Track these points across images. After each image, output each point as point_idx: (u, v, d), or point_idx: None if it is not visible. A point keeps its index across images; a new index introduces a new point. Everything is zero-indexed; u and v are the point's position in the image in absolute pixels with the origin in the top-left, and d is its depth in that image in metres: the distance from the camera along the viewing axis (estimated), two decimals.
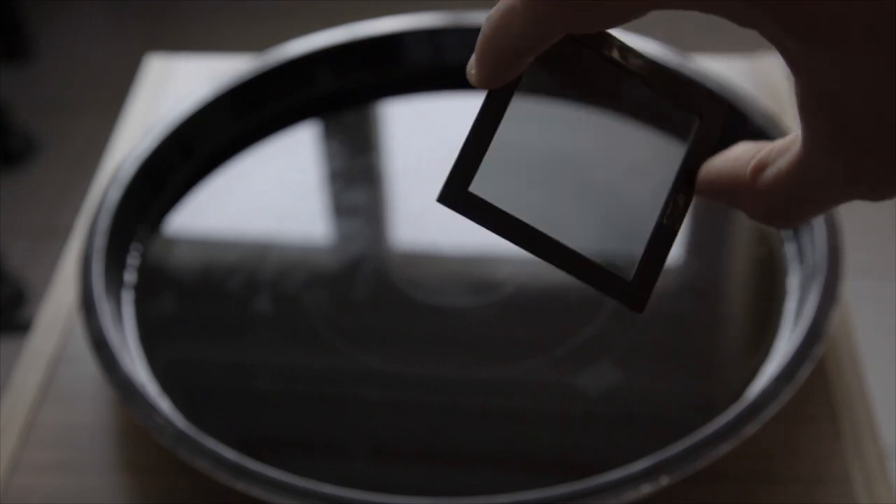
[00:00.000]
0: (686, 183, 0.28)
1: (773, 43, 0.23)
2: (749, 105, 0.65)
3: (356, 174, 0.72)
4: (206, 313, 0.64)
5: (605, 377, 0.57)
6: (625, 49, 0.27)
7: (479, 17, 0.73)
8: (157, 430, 0.50)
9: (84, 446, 0.55)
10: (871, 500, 0.51)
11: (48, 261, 1.31)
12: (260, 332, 0.61)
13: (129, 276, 0.62)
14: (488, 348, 0.60)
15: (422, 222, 0.68)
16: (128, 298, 0.60)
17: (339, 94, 0.74)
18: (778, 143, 0.26)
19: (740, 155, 0.26)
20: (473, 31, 0.73)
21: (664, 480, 0.47)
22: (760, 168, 0.26)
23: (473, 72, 0.26)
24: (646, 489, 0.47)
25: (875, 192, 0.24)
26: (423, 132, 0.74)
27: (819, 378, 0.56)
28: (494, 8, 0.25)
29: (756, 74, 0.75)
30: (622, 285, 0.27)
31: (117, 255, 0.61)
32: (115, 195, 0.62)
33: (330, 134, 0.75)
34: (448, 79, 0.74)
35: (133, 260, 0.63)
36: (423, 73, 0.74)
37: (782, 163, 0.25)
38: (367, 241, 0.68)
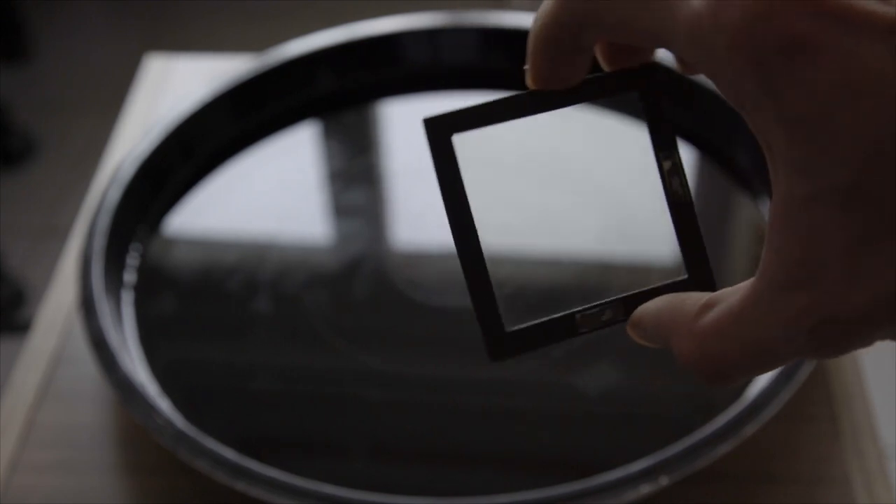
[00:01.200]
0: (624, 305, 0.27)
1: (762, 143, 0.22)
2: None
3: (356, 174, 0.72)
4: (206, 313, 0.64)
5: (605, 377, 0.57)
6: (677, 169, 0.27)
7: (479, 18, 0.73)
8: (157, 430, 0.50)
9: (84, 446, 0.55)
10: (871, 501, 0.51)
11: (48, 261, 1.31)
12: (260, 332, 0.61)
13: (129, 277, 0.62)
14: None
15: (422, 222, 0.68)
16: (127, 298, 0.60)
17: (339, 94, 0.74)
18: (731, 288, 0.24)
19: (688, 296, 0.25)
20: (473, 31, 0.74)
21: (664, 480, 0.47)
22: (709, 306, 0.24)
23: (527, 68, 0.26)
24: (645, 489, 0.47)
25: (821, 348, 0.22)
26: (422, 132, 0.74)
27: (819, 378, 0.56)
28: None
29: None
30: (497, 329, 0.27)
31: (117, 255, 0.61)
32: (115, 195, 0.62)
33: (329, 134, 0.75)
34: (447, 79, 0.74)
35: (133, 260, 0.63)
36: (422, 73, 0.74)
37: (733, 299, 0.23)
38: (366, 242, 0.68)
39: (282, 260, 0.66)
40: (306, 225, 0.69)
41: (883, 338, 0.22)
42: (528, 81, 0.27)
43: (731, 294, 0.24)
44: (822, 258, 0.21)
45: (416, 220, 0.69)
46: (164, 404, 0.52)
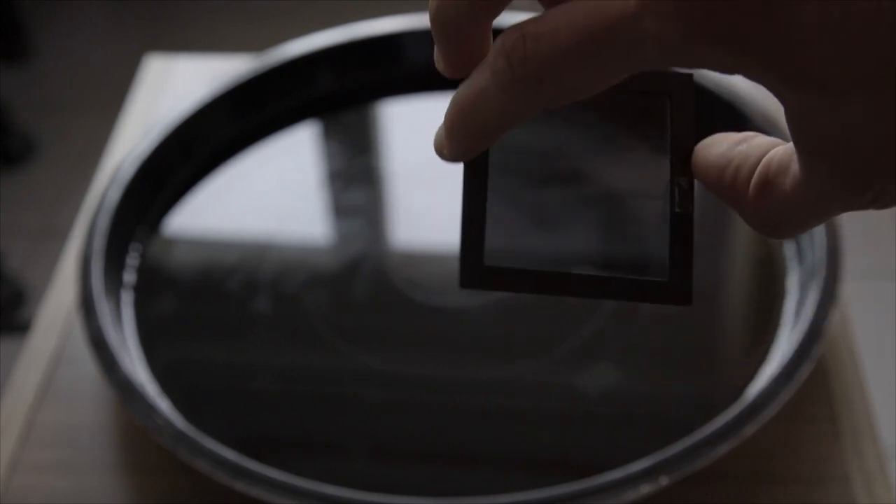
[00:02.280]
0: (681, 164, 0.27)
1: (765, 86, 0.22)
2: (748, 105, 0.65)
3: (356, 174, 0.72)
4: (206, 313, 0.64)
5: (605, 377, 0.57)
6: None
7: None
8: (157, 430, 0.50)
9: (84, 446, 0.55)
10: (871, 500, 0.51)
11: (48, 261, 1.31)
12: (260, 332, 0.61)
13: (129, 277, 0.62)
14: (488, 348, 0.60)
15: (421, 222, 0.68)
16: (127, 299, 0.60)
17: (339, 95, 0.74)
18: (778, 154, 0.25)
19: (741, 162, 0.26)
20: None
21: (664, 480, 0.47)
22: (761, 185, 0.25)
23: (445, 151, 0.26)
24: (645, 489, 0.47)
25: (879, 202, 0.23)
26: (422, 132, 0.74)
27: (819, 378, 0.56)
28: (461, 88, 0.25)
29: None
30: (662, 288, 0.27)
31: (117, 255, 0.61)
32: (115, 195, 0.62)
33: (329, 134, 0.75)
34: (447, 79, 0.74)
35: (133, 260, 0.63)
36: (422, 73, 0.74)
37: (784, 184, 0.24)
38: (366, 242, 0.68)
39: (282, 260, 0.66)
40: (306, 225, 0.69)
41: None
42: (448, 159, 0.26)
43: (779, 171, 0.24)
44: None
45: (416, 220, 0.69)
46: (163, 404, 0.52)
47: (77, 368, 0.59)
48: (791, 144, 0.24)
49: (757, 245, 0.64)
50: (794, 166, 0.24)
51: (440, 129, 0.26)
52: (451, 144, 0.25)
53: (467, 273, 0.27)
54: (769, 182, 0.25)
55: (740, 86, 0.67)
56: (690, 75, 0.27)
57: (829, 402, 0.55)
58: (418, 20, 0.74)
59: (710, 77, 0.67)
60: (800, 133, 0.23)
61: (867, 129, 0.21)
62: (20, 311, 1.44)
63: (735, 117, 0.64)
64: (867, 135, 0.21)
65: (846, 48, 0.20)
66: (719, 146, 0.26)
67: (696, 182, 0.27)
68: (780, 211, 0.25)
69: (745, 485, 0.52)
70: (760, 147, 0.26)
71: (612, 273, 0.27)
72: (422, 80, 0.74)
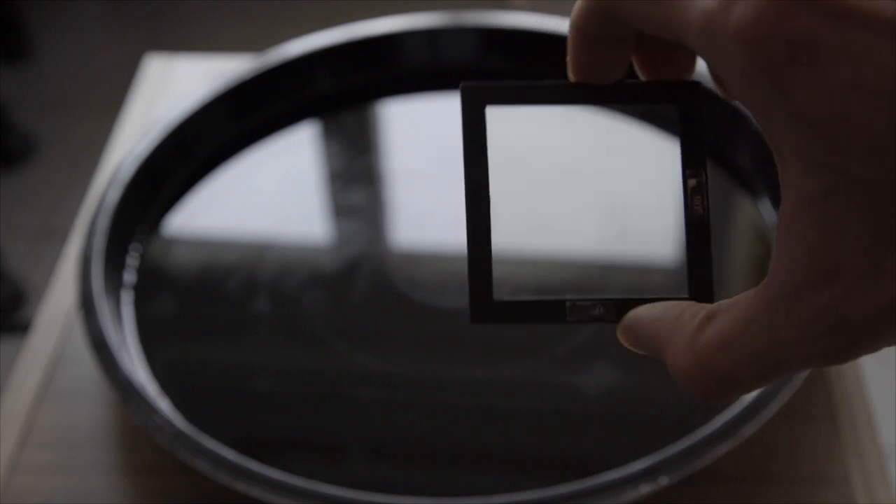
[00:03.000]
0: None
1: (768, 140, 0.22)
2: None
3: (355, 174, 0.72)
4: (206, 314, 0.64)
5: (605, 377, 0.57)
6: (700, 188, 0.26)
7: (478, 18, 0.73)
8: (157, 430, 0.50)
9: (83, 447, 0.55)
10: (870, 500, 0.51)
11: (47, 261, 1.31)
12: (259, 332, 0.61)
13: (129, 277, 0.62)
14: (488, 348, 0.60)
15: (421, 223, 0.68)
16: (127, 299, 0.60)
17: (338, 95, 0.74)
18: (731, 299, 0.23)
19: (686, 307, 0.25)
20: (472, 32, 0.74)
21: (663, 480, 0.47)
22: (710, 317, 0.23)
23: (568, 60, 0.27)
24: (645, 489, 0.47)
25: (837, 352, 0.21)
26: (421, 132, 0.74)
27: (818, 378, 0.56)
28: None
29: None
30: (485, 295, 0.27)
31: (116, 255, 0.61)
32: (114, 195, 0.62)
33: (329, 134, 0.75)
34: (447, 79, 0.74)
35: (132, 260, 0.63)
36: (422, 74, 0.74)
37: (738, 309, 0.23)
38: (366, 242, 0.68)
39: (281, 260, 0.66)
40: (306, 225, 0.69)
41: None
42: (569, 73, 0.27)
43: (735, 305, 0.23)
44: (843, 254, 0.20)
45: (415, 220, 0.69)
46: (163, 404, 0.52)
47: (77, 369, 0.59)
48: (749, 291, 0.23)
49: (756, 244, 0.64)
50: (751, 296, 0.22)
51: None
52: (569, 56, 0.27)
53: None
54: (717, 313, 0.23)
55: None
56: (698, 83, 0.27)
57: (828, 402, 0.55)
58: (418, 20, 0.74)
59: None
60: (786, 211, 0.21)
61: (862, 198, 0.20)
62: (20, 312, 1.44)
63: (735, 117, 0.64)
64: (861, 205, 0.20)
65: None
66: (666, 302, 0.26)
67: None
68: (725, 345, 0.23)
69: (745, 485, 0.52)
70: (707, 305, 0.24)
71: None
72: (422, 80, 0.74)
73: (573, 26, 0.26)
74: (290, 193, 0.70)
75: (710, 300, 0.26)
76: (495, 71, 0.72)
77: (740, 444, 0.48)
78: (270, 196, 0.70)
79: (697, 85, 0.27)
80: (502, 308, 0.27)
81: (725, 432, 0.48)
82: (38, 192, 1.63)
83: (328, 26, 0.75)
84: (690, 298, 0.27)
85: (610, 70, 0.27)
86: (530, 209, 0.67)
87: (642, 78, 0.27)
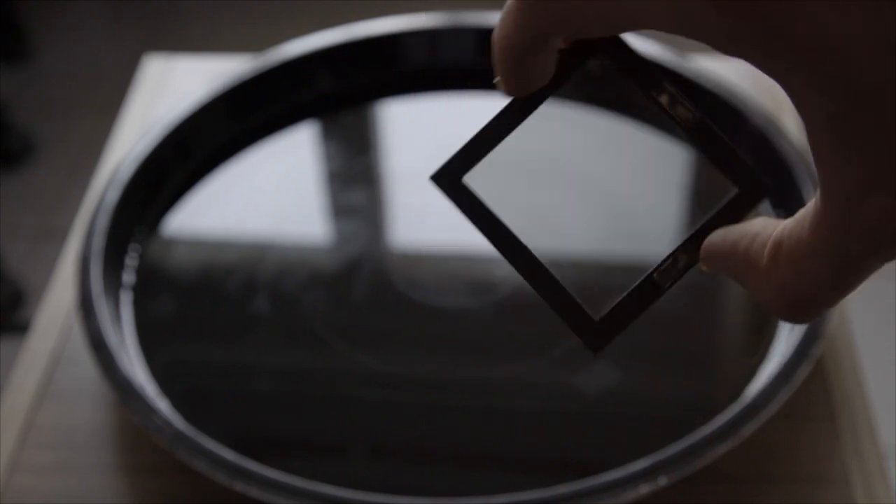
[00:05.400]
0: (694, 246, 0.26)
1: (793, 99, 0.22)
2: (748, 105, 0.65)
3: (355, 175, 0.72)
4: (205, 314, 0.64)
5: (605, 377, 0.57)
6: (675, 98, 0.26)
7: (477, 18, 0.73)
8: (156, 430, 0.50)
9: (82, 447, 0.55)
10: (870, 500, 0.51)
11: (47, 261, 1.31)
12: (259, 332, 0.61)
13: (128, 277, 0.62)
14: (488, 348, 0.60)
15: (420, 223, 0.68)
16: (126, 299, 0.60)
17: (338, 95, 0.74)
18: (792, 219, 0.24)
19: (757, 233, 0.24)
20: (472, 32, 0.74)
21: (662, 480, 0.47)
22: (779, 246, 0.23)
23: (498, 81, 0.26)
24: (644, 489, 0.47)
25: None
26: (421, 132, 0.74)
27: (818, 378, 0.56)
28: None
29: (754, 74, 0.75)
30: (587, 322, 0.27)
31: (116, 255, 0.61)
32: (114, 196, 0.61)
33: (328, 134, 0.75)
34: (446, 79, 0.74)
35: (131, 261, 0.63)
36: (421, 74, 0.74)
37: (801, 231, 0.23)
38: (365, 242, 0.68)
39: (281, 260, 0.66)
40: (305, 225, 0.69)
41: None
42: (504, 92, 0.26)
43: (797, 226, 0.23)
44: (881, 152, 0.20)
45: (415, 220, 0.69)
46: (162, 405, 0.52)
47: (76, 369, 0.59)
48: (803, 209, 0.23)
49: None
50: (811, 215, 0.23)
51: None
52: (497, 73, 0.26)
53: (443, 173, 0.27)
54: (783, 239, 0.23)
55: (739, 85, 0.67)
56: (768, 183, 0.26)
57: (828, 402, 0.55)
58: (417, 20, 0.74)
59: (710, 77, 0.67)
60: (824, 138, 0.22)
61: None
62: (19, 312, 1.44)
63: (735, 117, 0.64)
64: None
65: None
66: (735, 230, 0.26)
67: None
68: (796, 270, 0.23)
69: (744, 485, 0.52)
70: (774, 223, 0.24)
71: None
72: (421, 80, 0.74)
73: (507, 49, 0.25)
74: (290, 193, 0.70)
75: (759, 182, 0.26)
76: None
77: (740, 444, 0.48)
78: (270, 196, 0.70)
79: (768, 183, 0.26)
80: (608, 322, 0.26)
81: (725, 432, 0.48)
82: (37, 192, 1.63)
83: (328, 26, 0.75)
84: (741, 193, 0.26)
85: (544, 78, 0.26)
86: (530, 209, 0.67)
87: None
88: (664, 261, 0.26)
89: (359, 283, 0.64)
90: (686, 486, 0.49)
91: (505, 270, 0.62)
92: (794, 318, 0.24)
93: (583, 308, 0.27)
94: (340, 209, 0.70)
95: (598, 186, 0.69)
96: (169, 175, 0.67)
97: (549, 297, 0.27)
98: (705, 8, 0.21)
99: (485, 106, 0.74)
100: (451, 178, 0.27)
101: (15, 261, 1.51)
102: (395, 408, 0.57)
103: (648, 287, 0.26)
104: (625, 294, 0.26)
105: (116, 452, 0.55)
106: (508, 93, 0.26)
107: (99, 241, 0.59)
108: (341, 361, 0.59)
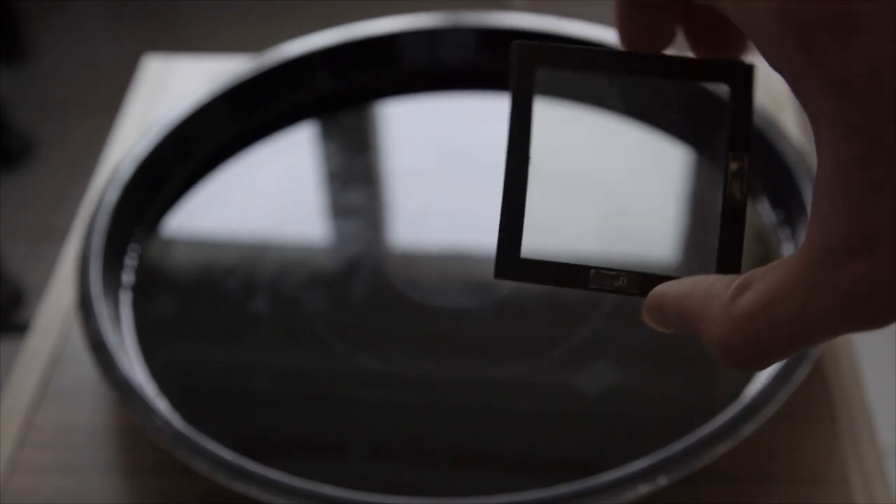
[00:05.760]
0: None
1: (805, 107, 0.22)
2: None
3: (354, 175, 0.72)
4: (205, 314, 0.64)
5: (605, 377, 0.57)
6: (741, 174, 0.26)
7: (477, 18, 0.73)
8: (156, 430, 0.50)
9: (82, 447, 0.55)
10: (870, 500, 0.51)
11: (46, 261, 1.31)
12: (258, 332, 0.61)
13: (128, 277, 0.62)
14: (487, 348, 0.60)
15: (420, 223, 0.68)
16: (126, 299, 0.60)
17: (338, 95, 0.74)
18: (764, 267, 0.23)
19: (715, 279, 0.24)
20: (472, 32, 0.74)
21: (662, 480, 0.47)
22: (746, 286, 0.23)
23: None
24: (644, 489, 0.47)
25: (876, 317, 0.21)
26: (421, 132, 0.74)
27: (817, 378, 0.56)
28: None
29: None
30: (512, 253, 0.27)
31: (115, 255, 0.61)
32: (113, 196, 0.61)
33: (328, 134, 0.75)
34: (446, 79, 0.74)
35: (131, 261, 0.63)
36: (421, 74, 0.74)
37: (774, 276, 0.22)
38: (365, 242, 0.68)
39: (280, 260, 0.66)
40: (305, 225, 0.69)
41: None
42: (619, 42, 0.27)
43: (771, 271, 0.23)
44: (880, 221, 0.20)
45: (415, 220, 0.69)
46: (162, 405, 0.52)
47: (75, 369, 0.59)
48: (780, 259, 0.23)
49: (755, 244, 0.64)
50: (787, 263, 0.22)
51: None
52: (616, 25, 0.27)
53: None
54: (752, 281, 0.23)
55: None
56: (753, 65, 0.27)
57: (827, 402, 0.55)
58: (417, 20, 0.74)
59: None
60: (822, 177, 0.21)
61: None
62: (19, 312, 1.44)
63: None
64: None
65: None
66: (689, 279, 0.25)
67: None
68: (761, 312, 0.22)
69: (744, 485, 0.52)
70: (732, 277, 0.24)
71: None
72: (421, 80, 0.74)
73: None
74: (289, 193, 0.70)
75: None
76: (495, 71, 0.72)
77: (740, 444, 0.48)
78: (270, 196, 0.70)
79: (752, 67, 0.27)
80: (528, 266, 0.27)
81: (725, 432, 0.48)
82: (37, 192, 1.63)
83: (328, 26, 0.75)
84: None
85: (657, 38, 0.26)
86: (530, 209, 0.67)
87: (694, 56, 0.27)
88: (609, 269, 0.27)
89: (358, 283, 0.64)
90: (686, 486, 0.49)
91: None
92: (741, 361, 0.23)
93: (520, 240, 0.27)
94: (340, 209, 0.70)
95: (598, 187, 0.69)
96: (169, 175, 0.67)
97: (507, 210, 0.27)
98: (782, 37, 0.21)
99: (485, 106, 0.75)
100: (530, 57, 0.27)
101: (15, 261, 1.51)
102: (395, 408, 0.57)
103: (580, 274, 0.27)
104: (560, 261, 0.27)
105: (116, 452, 0.55)
106: (622, 43, 0.27)
107: (98, 241, 0.59)
108: (341, 361, 0.59)
